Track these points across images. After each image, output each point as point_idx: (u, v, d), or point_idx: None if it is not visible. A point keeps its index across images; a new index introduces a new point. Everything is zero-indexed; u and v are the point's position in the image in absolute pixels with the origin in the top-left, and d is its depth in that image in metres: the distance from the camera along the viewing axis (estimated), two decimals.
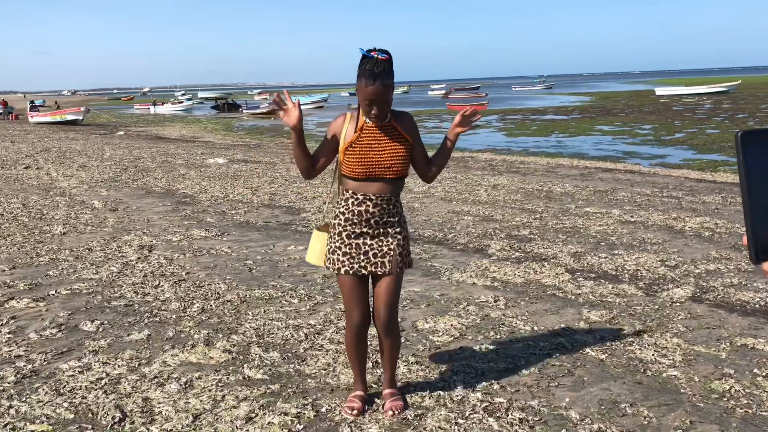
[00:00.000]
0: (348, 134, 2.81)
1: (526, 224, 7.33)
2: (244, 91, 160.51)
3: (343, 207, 2.84)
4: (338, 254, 2.84)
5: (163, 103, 66.61)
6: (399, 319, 4.19)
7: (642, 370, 3.47)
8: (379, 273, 2.84)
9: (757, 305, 4.52)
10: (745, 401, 3.11)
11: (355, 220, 2.81)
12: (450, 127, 2.90)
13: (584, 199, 9.14)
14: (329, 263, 2.89)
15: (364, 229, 2.81)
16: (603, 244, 6.37)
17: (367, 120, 2.79)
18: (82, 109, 37.95)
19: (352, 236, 2.82)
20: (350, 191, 2.82)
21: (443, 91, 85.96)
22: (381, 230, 2.82)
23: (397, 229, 2.86)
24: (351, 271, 2.83)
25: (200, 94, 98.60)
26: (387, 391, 3.11)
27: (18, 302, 4.69)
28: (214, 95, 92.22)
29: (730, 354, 3.68)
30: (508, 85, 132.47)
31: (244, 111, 52.32)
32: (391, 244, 2.84)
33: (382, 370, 3.19)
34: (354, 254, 2.82)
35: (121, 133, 28.75)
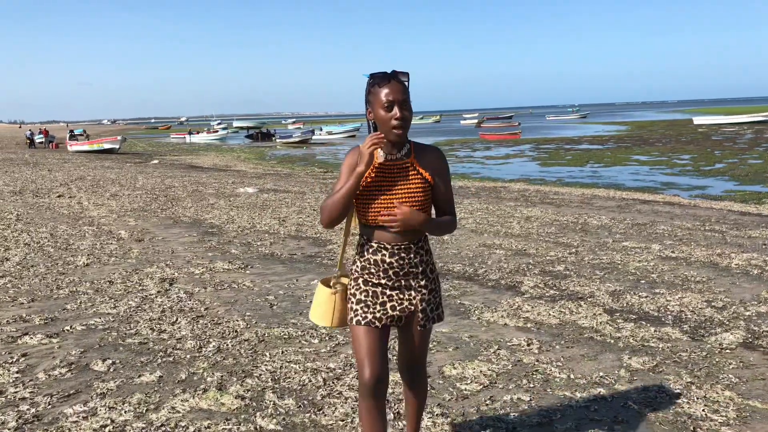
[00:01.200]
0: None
1: (561, 259, 7.01)
2: (278, 120, 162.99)
3: (358, 254, 2.54)
4: (353, 302, 2.51)
5: (198, 132, 67.81)
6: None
7: (692, 428, 3.14)
8: (396, 326, 2.53)
9: None
10: None
11: (372, 270, 2.48)
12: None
13: (622, 232, 8.77)
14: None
15: (383, 281, 2.47)
16: (643, 281, 6.01)
17: (381, 155, 2.45)
18: (119, 138, 38.78)
19: (369, 284, 2.49)
20: (365, 236, 2.50)
21: (476, 120, 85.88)
22: (402, 282, 2.48)
23: (422, 282, 2.50)
24: (363, 322, 2.45)
25: (235, 123, 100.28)
26: None
27: (31, 338, 4.55)
28: (248, 124, 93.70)
29: None
30: (541, 114, 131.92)
31: (277, 140, 52.89)
32: (414, 298, 2.49)
33: (405, 423, 2.86)
34: (370, 303, 2.47)
35: (156, 161, 29.18)
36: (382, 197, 2.41)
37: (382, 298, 2.47)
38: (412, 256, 2.46)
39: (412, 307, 2.49)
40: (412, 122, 2.39)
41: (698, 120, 54.45)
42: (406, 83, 2.39)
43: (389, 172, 2.44)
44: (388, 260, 2.44)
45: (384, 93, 2.34)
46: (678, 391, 3.58)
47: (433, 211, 2.56)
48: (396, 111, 2.34)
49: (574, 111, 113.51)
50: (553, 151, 31.88)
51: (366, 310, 2.46)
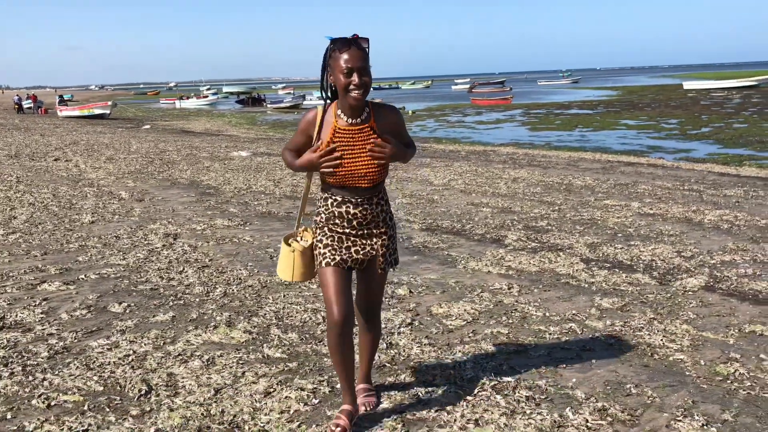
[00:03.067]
0: (317, 136, 2.61)
1: (544, 216, 7.39)
2: (268, 85, 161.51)
3: (322, 207, 2.69)
4: (320, 247, 2.68)
5: (188, 98, 67.39)
6: (414, 305, 4.33)
7: (649, 354, 3.56)
8: (360, 269, 2.72)
9: None
10: (749, 384, 3.18)
11: (337, 221, 2.65)
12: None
13: (604, 192, 9.16)
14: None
15: (347, 230, 2.65)
16: (620, 235, 6.41)
17: (341, 117, 2.56)
18: (110, 103, 38.63)
19: (335, 232, 2.67)
20: (329, 191, 2.65)
21: (468, 86, 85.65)
22: (365, 231, 2.66)
23: (383, 229, 2.69)
24: (332, 263, 2.64)
25: (225, 89, 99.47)
26: (361, 386, 3.00)
27: (50, 285, 4.91)
28: (238, 90, 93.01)
29: (738, 340, 3.74)
30: (533, 79, 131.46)
31: (268, 105, 52.74)
32: (375, 244, 2.69)
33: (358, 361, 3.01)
34: (336, 247, 2.65)
35: (147, 126, 29.22)
36: (344, 161, 2.54)
37: (347, 242, 2.65)
38: (374, 206, 2.63)
39: (374, 252, 2.68)
40: (372, 86, 2.51)
41: (688, 85, 54.65)
42: (367, 49, 2.46)
43: (350, 137, 2.55)
44: (352, 212, 2.60)
45: (344, 59, 2.41)
46: (641, 325, 3.98)
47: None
48: (355, 77, 2.42)
49: (564, 76, 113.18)
50: (543, 116, 32.14)
51: (333, 252, 2.64)
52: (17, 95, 50.55)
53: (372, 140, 2.54)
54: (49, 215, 7.70)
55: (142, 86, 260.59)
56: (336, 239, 2.66)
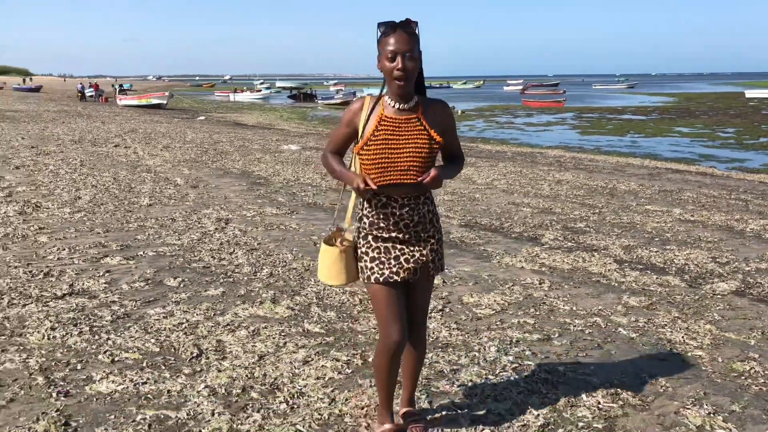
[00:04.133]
0: (366, 126, 2.43)
1: (584, 218, 7.52)
2: (320, 81, 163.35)
3: (366, 209, 2.49)
4: (365, 260, 2.49)
5: (242, 91, 68.82)
6: (446, 293, 4.57)
7: (669, 349, 3.71)
8: (411, 279, 2.51)
9: None
10: (762, 380, 3.31)
11: (382, 224, 2.46)
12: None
13: (647, 197, 9.19)
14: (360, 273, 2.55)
15: (393, 234, 2.45)
16: (657, 239, 6.50)
17: (389, 104, 2.42)
18: (167, 93, 39.90)
19: (380, 240, 2.47)
20: (373, 193, 2.44)
21: (520, 87, 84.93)
22: (413, 234, 2.47)
23: (431, 232, 2.51)
24: (382, 279, 2.45)
25: (278, 84, 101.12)
26: (406, 410, 2.79)
27: (111, 259, 5.33)
28: (291, 85, 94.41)
29: (760, 341, 3.86)
30: (589, 83, 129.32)
31: (319, 101, 53.51)
32: (424, 249, 2.50)
33: (402, 387, 2.82)
34: (384, 259, 2.46)
35: (202, 118, 30.13)
36: (387, 153, 2.36)
37: (395, 252, 2.46)
38: (420, 206, 2.46)
39: (424, 258, 2.49)
40: (420, 77, 2.41)
41: (750, 93, 53.10)
42: (416, 33, 2.33)
43: (396, 126, 2.40)
44: (398, 212, 2.43)
45: (389, 43, 2.29)
46: (665, 323, 4.13)
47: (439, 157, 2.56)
48: (398, 62, 2.28)
49: (620, 81, 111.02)
50: (595, 120, 31.80)
51: (382, 266, 2.45)
52: (80, 83, 52.58)
53: (418, 132, 2.39)
54: (110, 197, 8.21)
55: (197, 78, 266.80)
56: (383, 250, 2.46)
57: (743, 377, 3.36)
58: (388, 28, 2.32)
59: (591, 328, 4.02)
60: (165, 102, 37.80)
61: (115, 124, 21.73)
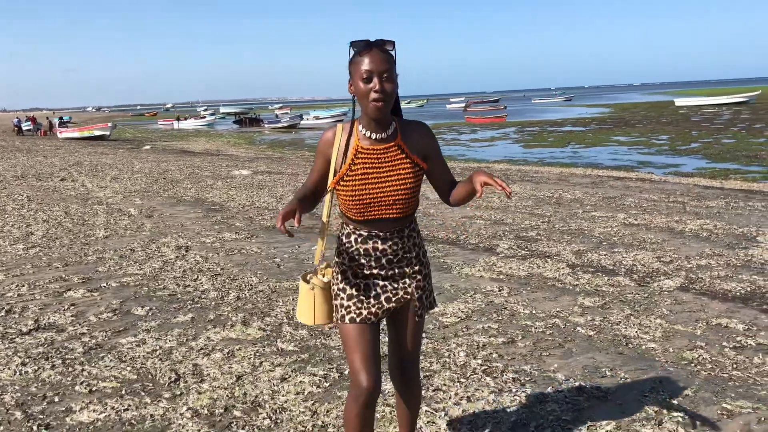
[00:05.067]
0: (339, 159, 2.20)
1: (534, 227, 7.82)
2: (264, 105, 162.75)
3: (345, 244, 2.27)
4: (342, 298, 2.26)
5: (186, 118, 68.04)
6: None
7: (624, 344, 3.96)
8: (393, 318, 2.33)
9: (737, 293, 4.98)
10: (710, 366, 3.59)
11: (363, 261, 2.24)
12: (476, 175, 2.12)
13: (592, 204, 9.60)
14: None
15: (375, 270, 2.25)
16: (605, 243, 6.83)
17: (364, 134, 2.18)
18: (110, 124, 39.17)
19: (359, 275, 2.26)
20: (351, 226, 2.26)
21: (463, 104, 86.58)
22: (396, 270, 2.26)
23: (416, 267, 2.29)
24: (359, 319, 2.22)
25: (222, 109, 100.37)
26: None
27: (75, 292, 5.30)
28: (235, 110, 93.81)
29: (705, 331, 4.15)
30: (528, 97, 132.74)
31: (266, 125, 53.38)
32: (410, 286, 2.28)
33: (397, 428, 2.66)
34: (363, 297, 2.24)
35: (148, 147, 29.69)
36: (369, 188, 2.16)
37: (375, 290, 2.25)
38: (405, 240, 2.25)
39: (408, 296, 2.28)
40: (396, 100, 2.18)
41: (679, 101, 55.54)
42: (391, 53, 2.13)
43: (375, 158, 2.17)
44: (381, 247, 2.22)
45: (364, 63, 2.07)
46: (619, 320, 4.39)
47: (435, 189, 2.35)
48: (375, 83, 2.06)
49: (557, 94, 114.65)
50: (537, 134, 32.71)
51: (360, 305, 2.23)
52: (17, 117, 51.06)
53: (400, 161, 2.18)
54: (64, 231, 8.09)
55: (139, 107, 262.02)
56: (363, 287, 2.25)
57: (693, 364, 3.63)
58: (361, 47, 2.10)
59: (551, 329, 4.25)
60: (108, 133, 37.09)
61: (58, 158, 21.24)
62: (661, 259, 6.06)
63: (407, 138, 2.20)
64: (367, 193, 2.15)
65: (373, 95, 2.07)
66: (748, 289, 5.07)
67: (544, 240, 7.04)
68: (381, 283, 2.26)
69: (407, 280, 2.28)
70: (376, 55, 2.08)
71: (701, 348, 3.85)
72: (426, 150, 2.24)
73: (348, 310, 2.24)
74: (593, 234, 7.32)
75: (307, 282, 2.33)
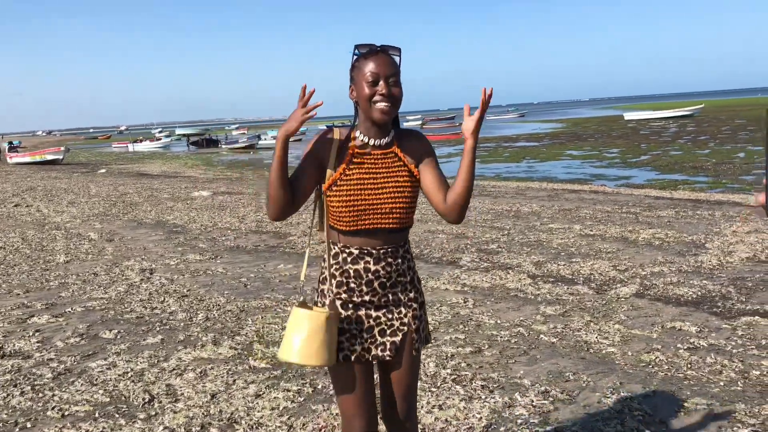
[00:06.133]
0: (333, 162, 2.05)
1: (495, 240, 8.02)
2: (221, 126, 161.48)
3: (332, 266, 2.07)
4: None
5: (141, 141, 67.05)
6: None
7: (586, 349, 4.14)
8: (388, 358, 2.07)
9: (689, 298, 5.23)
10: (667, 367, 3.78)
11: (353, 285, 2.04)
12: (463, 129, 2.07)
13: (549, 216, 9.87)
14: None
15: (366, 297, 2.04)
16: (563, 254, 7.06)
17: (362, 139, 2.06)
18: (62, 148, 38.33)
19: (350, 306, 2.06)
20: (341, 244, 2.06)
21: (419, 122, 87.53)
22: (390, 297, 2.06)
23: (411, 294, 2.11)
24: (353, 357, 2.04)
25: (178, 131, 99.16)
26: None
27: (39, 318, 5.23)
28: (191, 132, 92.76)
29: (661, 335, 4.36)
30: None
31: (223, 146, 52.99)
32: (405, 316, 2.08)
33: None
34: (356, 331, 2.05)
35: (103, 170, 29.17)
36: (364, 194, 2.01)
37: (368, 322, 2.05)
38: (399, 261, 2.07)
39: (405, 328, 2.08)
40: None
41: (629, 116, 57.29)
42: (398, 59, 2.04)
43: (371, 162, 2.05)
44: (373, 268, 2.02)
45: (369, 66, 1.98)
46: (579, 327, 4.57)
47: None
48: (382, 86, 1.97)
49: (510, 111, 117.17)
50: (493, 149, 33.32)
51: (353, 341, 2.04)
52: None
53: (398, 168, 2.07)
54: (22, 257, 7.95)
55: (91, 131, 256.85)
56: (354, 320, 2.05)
57: (651, 366, 3.82)
58: (368, 51, 2.01)
59: (516, 338, 4.40)
60: (61, 157, 36.25)
61: (10, 183, 20.72)
62: (617, 268, 6.31)
63: (404, 146, 2.10)
64: (362, 200, 2.00)
65: (378, 98, 1.98)
66: (699, 293, 5.33)
67: (505, 252, 7.24)
68: (374, 314, 2.05)
69: (403, 309, 2.08)
70: (383, 58, 2.00)
71: (658, 350, 4.05)
72: (422, 157, 2.11)
73: (341, 346, 2.03)
74: (551, 245, 7.55)
75: (310, 308, 2.03)
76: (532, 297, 5.41)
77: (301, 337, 1.97)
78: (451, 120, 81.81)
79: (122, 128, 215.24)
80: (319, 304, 2.11)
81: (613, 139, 35.04)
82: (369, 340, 2.05)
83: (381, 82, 1.98)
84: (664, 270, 6.16)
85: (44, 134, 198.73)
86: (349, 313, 2.04)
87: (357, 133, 2.08)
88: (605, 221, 9.21)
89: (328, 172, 2.05)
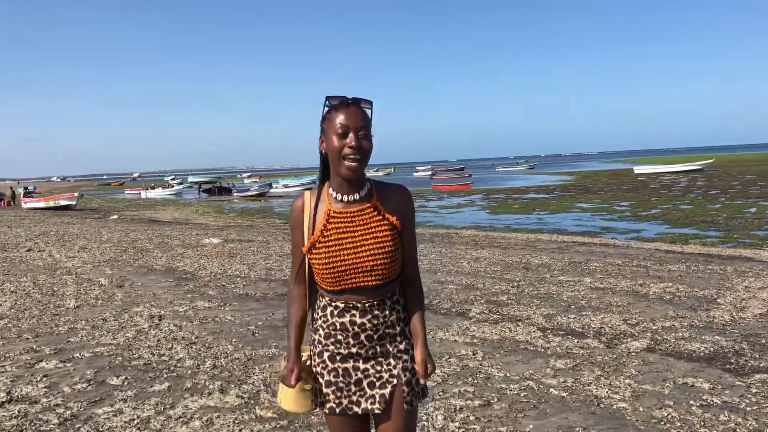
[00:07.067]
0: (310, 225, 2.07)
1: (505, 291, 7.99)
2: (233, 174, 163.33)
3: (320, 318, 2.10)
4: (320, 384, 2.09)
5: (154, 188, 67.83)
6: None
7: (596, 404, 4.08)
8: (377, 411, 2.04)
9: (702, 353, 5.16)
10: (679, 424, 3.72)
11: (339, 337, 2.05)
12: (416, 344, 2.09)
13: (559, 269, 9.84)
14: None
15: (353, 349, 2.04)
16: (573, 307, 7.02)
17: (335, 197, 2.07)
18: (76, 194, 38.83)
19: (338, 358, 2.06)
20: (327, 297, 2.09)
21: (429, 172, 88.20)
22: (378, 348, 2.05)
23: (401, 346, 2.07)
24: (338, 410, 2.06)
25: (190, 178, 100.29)
26: None
27: (47, 363, 5.23)
28: (204, 179, 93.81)
29: (673, 390, 4.30)
30: (491, 165, 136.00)
31: (235, 194, 53.49)
32: (395, 368, 2.05)
33: None
34: (342, 384, 2.06)
35: (115, 216, 29.46)
36: (343, 255, 2.00)
37: (356, 375, 2.05)
38: (387, 313, 2.04)
39: (394, 380, 2.04)
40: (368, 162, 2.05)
41: (638, 169, 57.49)
42: (369, 112, 2.05)
43: (348, 221, 2.04)
44: (359, 321, 2.02)
45: (340, 118, 1.98)
46: (590, 381, 4.52)
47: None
48: (351, 138, 1.96)
49: (519, 163, 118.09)
50: (502, 201, 33.43)
51: (339, 394, 2.05)
52: None
53: (377, 223, 2.04)
54: (32, 302, 7.98)
55: (105, 177, 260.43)
56: (341, 373, 2.06)
57: (662, 422, 3.75)
58: (339, 103, 2.02)
59: (525, 391, 4.35)
60: (75, 203, 36.73)
61: (23, 228, 20.94)
62: (628, 322, 6.26)
63: (384, 200, 2.08)
64: (341, 260, 1.99)
65: (348, 151, 1.97)
66: (711, 349, 5.27)
67: (515, 304, 7.20)
68: (362, 366, 2.05)
69: (392, 361, 2.04)
70: (353, 111, 2.00)
71: (669, 407, 3.99)
72: (403, 213, 2.09)
73: (327, 398, 2.07)
74: (561, 298, 7.51)
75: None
76: (542, 350, 5.36)
77: (287, 390, 2.12)
78: (461, 171, 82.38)
79: (135, 175, 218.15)
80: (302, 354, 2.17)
81: (623, 192, 35.10)
82: (357, 393, 2.04)
83: (351, 134, 1.97)
84: (675, 324, 6.11)
85: (59, 180, 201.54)
86: (336, 365, 2.06)
87: (330, 191, 2.09)
88: (615, 274, 9.17)
89: (306, 235, 2.09)
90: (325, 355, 2.07)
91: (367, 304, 2.02)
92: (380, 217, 2.04)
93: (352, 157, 1.97)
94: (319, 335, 2.09)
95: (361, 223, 2.03)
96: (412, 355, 2.07)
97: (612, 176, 55.90)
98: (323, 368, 2.08)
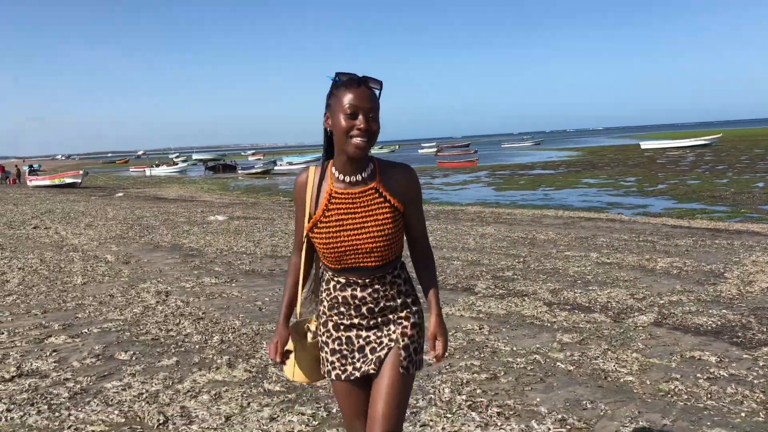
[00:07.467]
0: (313, 203, 2.09)
1: (511, 267, 7.98)
2: (237, 152, 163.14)
3: (324, 291, 2.16)
4: (326, 352, 2.14)
5: (158, 165, 67.86)
6: None
7: (603, 377, 4.08)
8: (372, 371, 2.07)
9: (709, 327, 5.16)
10: (686, 397, 3.72)
11: (342, 309, 2.10)
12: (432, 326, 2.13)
13: (565, 244, 9.82)
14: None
15: (355, 320, 2.09)
16: (579, 282, 7.01)
17: (338, 177, 2.07)
18: (81, 172, 38.91)
19: (341, 327, 2.11)
20: (330, 273, 2.13)
21: (434, 149, 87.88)
22: (379, 319, 2.08)
23: (402, 314, 2.09)
24: (343, 376, 2.10)
25: (195, 156, 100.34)
26: None
27: (56, 339, 5.27)
28: (208, 157, 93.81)
29: (680, 364, 4.30)
30: (497, 142, 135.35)
31: (240, 171, 53.46)
32: (394, 333, 2.07)
33: None
34: (347, 352, 2.11)
35: (121, 194, 29.52)
36: (344, 236, 2.02)
37: (359, 342, 2.09)
38: (387, 287, 2.07)
39: (392, 343, 2.06)
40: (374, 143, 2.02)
41: (645, 144, 57.11)
42: (378, 92, 2.01)
43: (350, 202, 2.04)
44: (359, 295, 2.06)
45: (348, 98, 1.94)
46: (597, 355, 4.52)
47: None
48: (360, 119, 1.94)
49: (524, 140, 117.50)
50: (508, 177, 33.32)
51: (344, 361, 2.10)
52: None
53: (378, 205, 2.03)
54: (40, 278, 8.02)
55: (110, 155, 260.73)
56: (345, 340, 2.10)
57: (670, 395, 3.76)
58: (349, 81, 1.97)
59: (532, 365, 4.35)
60: (80, 180, 36.81)
61: (29, 206, 21.01)
62: (635, 296, 6.24)
63: (387, 181, 2.06)
64: (342, 241, 2.01)
65: (355, 132, 1.94)
66: (719, 323, 5.26)
67: (521, 279, 7.20)
68: (364, 333, 2.09)
69: (392, 327, 2.07)
70: (364, 91, 1.96)
71: (677, 380, 3.99)
72: (406, 195, 2.08)
73: (333, 366, 2.12)
74: (568, 273, 7.50)
75: (306, 331, 2.22)
76: (548, 324, 5.36)
77: (292, 356, 2.19)
78: (466, 147, 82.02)
79: (140, 153, 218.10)
80: (310, 326, 2.24)
81: (629, 167, 34.92)
82: (361, 359, 2.09)
83: (360, 116, 1.94)
84: (682, 299, 6.09)
85: (63, 158, 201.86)
86: (340, 333, 2.11)
87: (333, 170, 2.09)
88: (622, 249, 9.14)
89: (308, 213, 2.10)
90: (330, 324, 2.12)
91: (367, 280, 2.05)
92: (381, 200, 2.04)
93: (359, 138, 1.95)
94: (324, 306, 2.14)
95: (362, 204, 2.03)
96: (413, 322, 2.10)
97: (618, 151, 55.59)
98: (328, 337, 2.13)
